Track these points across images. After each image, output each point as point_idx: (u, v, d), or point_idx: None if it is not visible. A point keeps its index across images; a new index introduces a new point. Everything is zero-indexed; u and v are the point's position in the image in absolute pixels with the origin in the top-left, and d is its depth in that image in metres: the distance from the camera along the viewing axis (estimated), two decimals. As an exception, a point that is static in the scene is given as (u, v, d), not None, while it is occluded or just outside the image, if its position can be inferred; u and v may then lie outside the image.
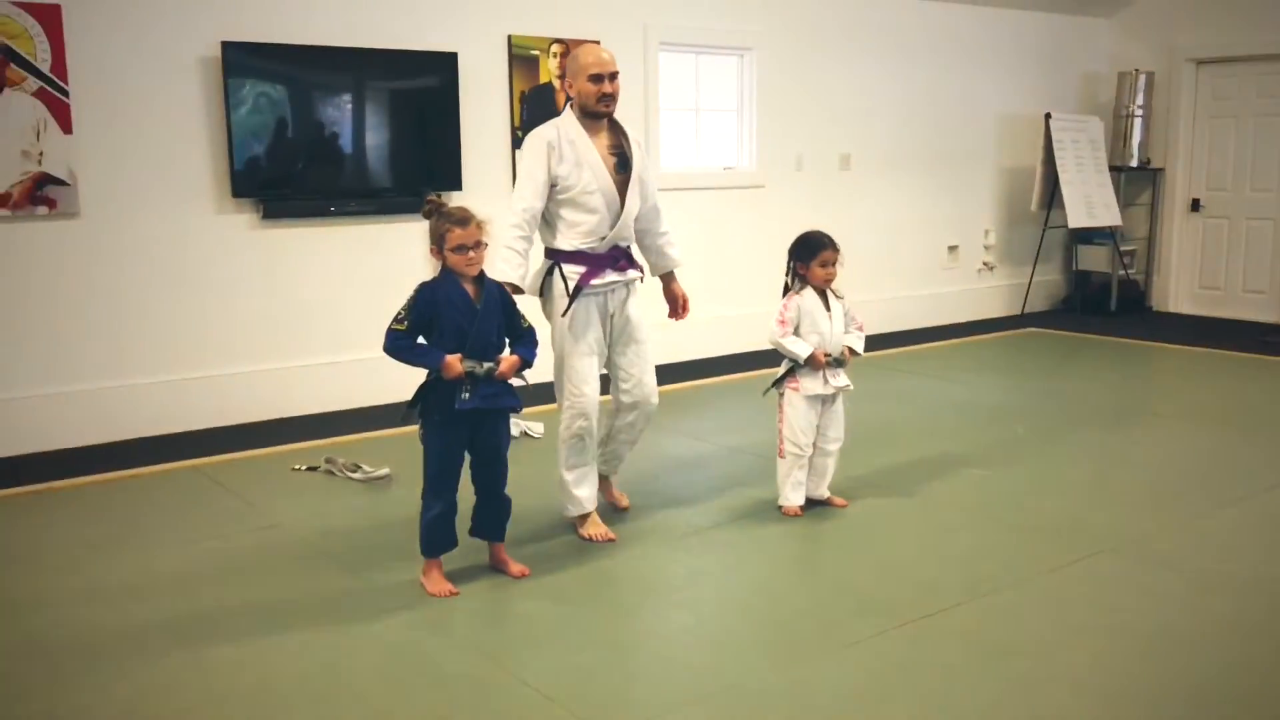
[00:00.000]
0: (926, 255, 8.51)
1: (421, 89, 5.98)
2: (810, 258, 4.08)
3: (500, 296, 3.45)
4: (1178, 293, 9.13)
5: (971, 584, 3.49)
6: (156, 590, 3.52)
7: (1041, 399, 6.15)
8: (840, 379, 4.14)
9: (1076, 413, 5.76)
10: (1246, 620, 3.25)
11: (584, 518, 4.00)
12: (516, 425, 5.40)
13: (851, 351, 4.18)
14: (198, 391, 5.49)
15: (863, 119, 7.92)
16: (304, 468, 4.83)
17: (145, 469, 4.84)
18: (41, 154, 5.00)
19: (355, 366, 5.84)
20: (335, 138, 5.76)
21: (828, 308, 4.12)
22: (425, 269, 3.47)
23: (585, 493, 3.98)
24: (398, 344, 3.33)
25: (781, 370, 4.17)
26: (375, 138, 5.88)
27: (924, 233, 8.45)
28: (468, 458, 3.50)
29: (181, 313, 5.44)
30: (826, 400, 4.17)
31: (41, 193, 5.01)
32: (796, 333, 4.09)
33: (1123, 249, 8.89)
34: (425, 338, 3.36)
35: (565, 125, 3.84)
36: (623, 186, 3.86)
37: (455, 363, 3.29)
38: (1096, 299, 9.02)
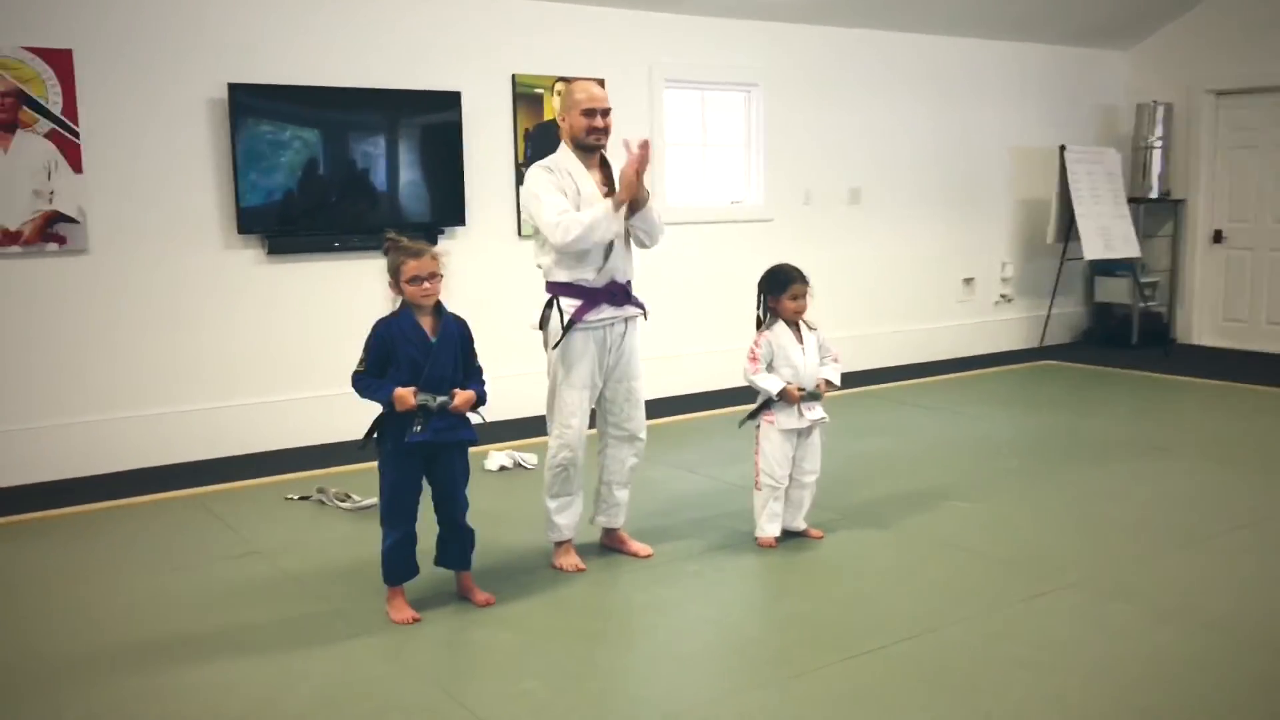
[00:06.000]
0: (941, 288, 8.49)
1: (426, 127, 6.12)
2: (780, 291, 4.11)
3: (459, 331, 3.52)
4: (1201, 325, 9.01)
5: (928, 617, 3.48)
6: (128, 614, 3.63)
7: (1046, 432, 6.10)
8: (816, 412, 4.16)
9: (1077, 446, 5.71)
10: (1198, 654, 3.20)
11: (559, 546, 4.06)
12: (510, 456, 5.49)
13: (828, 384, 4.20)
14: (199, 423, 5.63)
15: (873, 153, 7.95)
16: (296, 497, 4.93)
17: (142, 498, 4.98)
18: (52, 193, 5.19)
19: (354, 399, 5.91)
20: (340, 175, 5.90)
21: (800, 341, 4.15)
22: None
23: (565, 521, 4.04)
24: (359, 383, 3.45)
25: (757, 403, 4.21)
26: (380, 175, 6.01)
27: (938, 265, 8.43)
28: (428, 489, 3.57)
29: (186, 346, 5.59)
30: (802, 433, 4.19)
31: (52, 230, 5.20)
32: (770, 368, 4.13)
33: (1144, 281, 8.80)
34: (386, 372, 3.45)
35: (561, 158, 3.94)
36: None
37: (407, 395, 3.36)
38: (1118, 331, 8.93)
